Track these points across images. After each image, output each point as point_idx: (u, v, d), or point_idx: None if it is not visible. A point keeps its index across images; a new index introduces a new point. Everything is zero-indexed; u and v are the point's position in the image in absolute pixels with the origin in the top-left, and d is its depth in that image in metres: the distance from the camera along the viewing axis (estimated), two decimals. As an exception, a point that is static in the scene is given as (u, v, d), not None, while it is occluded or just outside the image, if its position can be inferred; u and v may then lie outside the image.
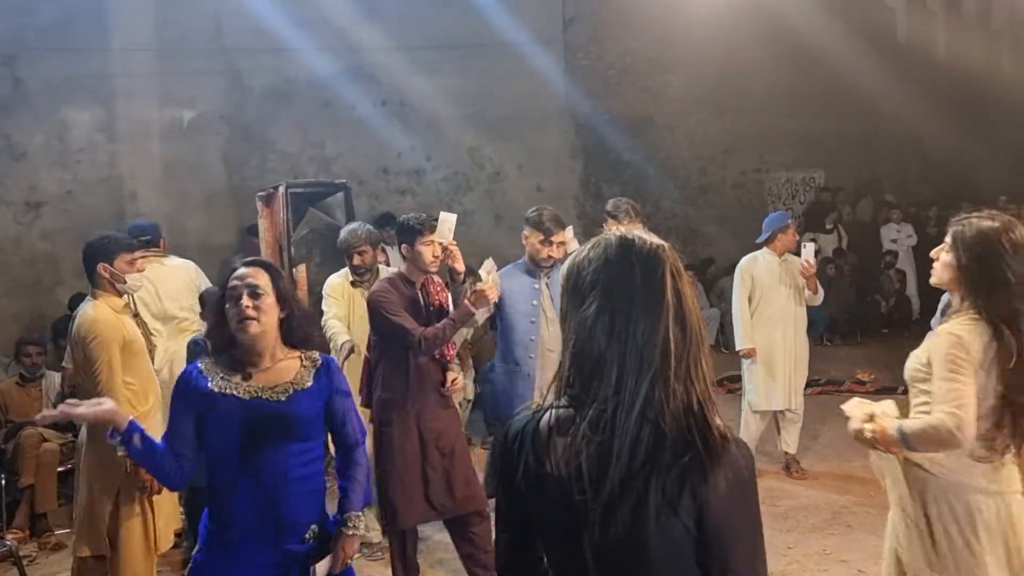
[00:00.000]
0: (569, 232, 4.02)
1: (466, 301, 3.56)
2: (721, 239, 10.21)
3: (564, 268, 1.45)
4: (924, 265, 10.45)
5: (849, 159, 12.15)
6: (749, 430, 5.53)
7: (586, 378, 1.33)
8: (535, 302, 3.86)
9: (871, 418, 2.45)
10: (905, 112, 11.41)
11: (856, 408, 2.51)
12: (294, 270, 5.52)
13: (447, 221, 3.57)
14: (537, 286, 3.88)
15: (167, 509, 3.77)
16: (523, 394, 3.83)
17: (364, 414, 3.60)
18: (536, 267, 3.89)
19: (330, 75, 8.14)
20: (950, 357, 2.30)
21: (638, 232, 1.42)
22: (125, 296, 3.66)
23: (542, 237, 3.83)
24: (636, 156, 10.15)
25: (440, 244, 3.55)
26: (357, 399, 3.35)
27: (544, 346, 3.84)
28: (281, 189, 5.61)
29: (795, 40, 10.29)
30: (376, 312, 3.55)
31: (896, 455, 2.46)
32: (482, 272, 3.76)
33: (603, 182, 10.08)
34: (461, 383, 3.83)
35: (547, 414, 1.36)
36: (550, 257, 3.84)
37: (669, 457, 1.27)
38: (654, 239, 1.40)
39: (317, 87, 8.15)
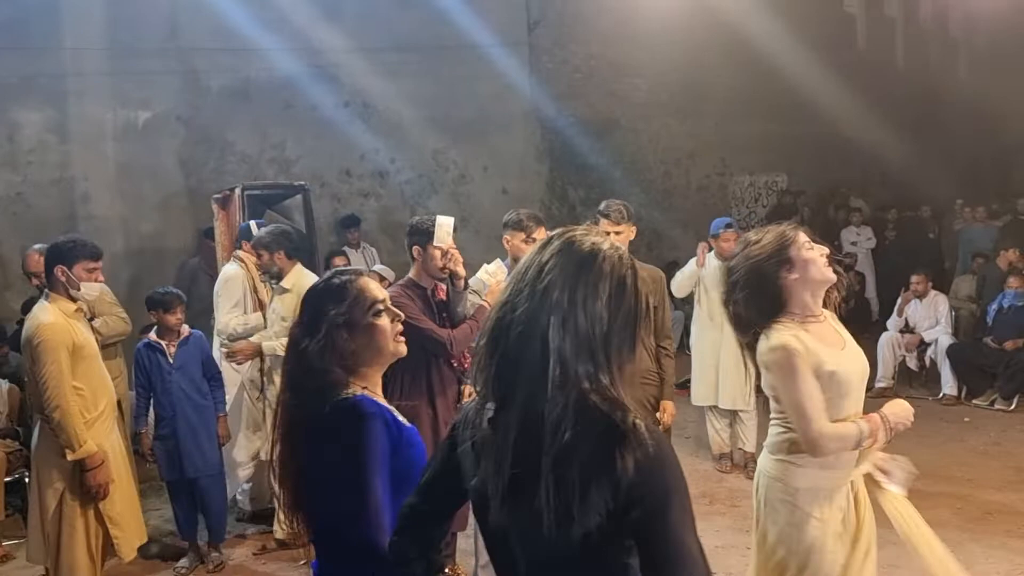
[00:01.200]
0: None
1: (483, 303, 3.58)
2: (686, 242, 10.23)
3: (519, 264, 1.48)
4: (883, 267, 10.62)
5: (810, 163, 12.31)
6: (709, 429, 5.63)
7: (509, 364, 1.38)
8: None
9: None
10: (864, 117, 11.58)
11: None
12: (251, 273, 5.39)
13: (444, 225, 3.52)
14: None
15: (131, 519, 3.68)
16: None
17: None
18: None
19: (291, 75, 8.02)
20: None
21: (580, 229, 1.47)
22: (80, 301, 3.60)
23: (524, 236, 3.81)
24: (602, 159, 10.15)
25: (439, 249, 3.51)
26: None
27: None
28: (237, 191, 5.50)
29: (756, 46, 10.38)
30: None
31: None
32: (481, 274, 3.71)
33: (569, 185, 10.06)
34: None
35: (478, 405, 1.45)
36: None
37: (580, 442, 1.31)
38: (595, 237, 1.45)
39: (277, 88, 8.02)
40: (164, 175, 7.57)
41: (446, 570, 1.64)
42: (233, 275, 4.93)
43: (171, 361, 4.37)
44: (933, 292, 7.85)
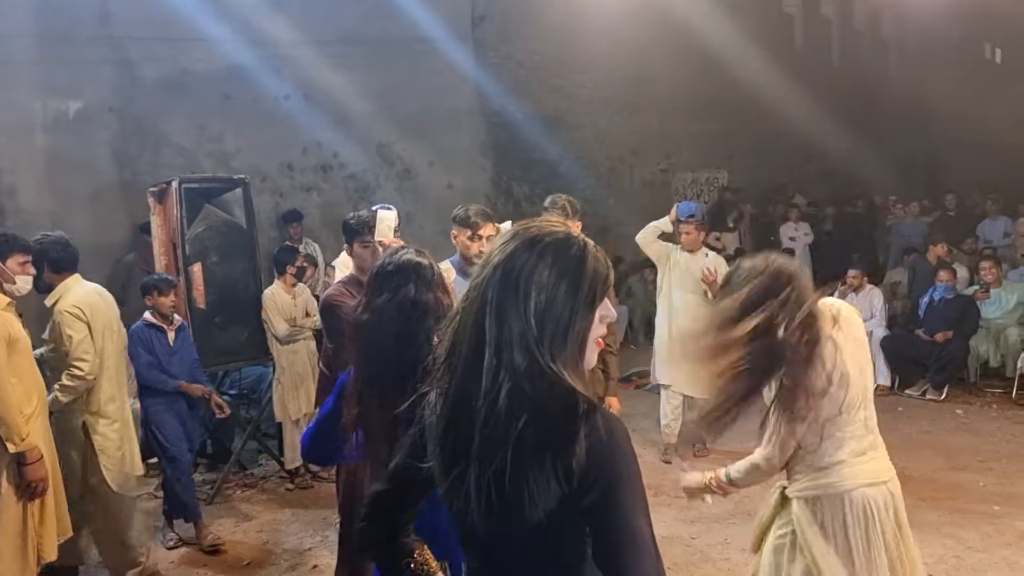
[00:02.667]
0: (507, 226, 3.93)
1: None
2: (630, 237, 10.34)
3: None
4: (819, 263, 10.85)
5: (750, 160, 12.55)
6: (661, 409, 5.73)
7: (461, 349, 1.40)
8: None
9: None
10: (802, 115, 11.83)
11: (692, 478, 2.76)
12: (189, 269, 5.27)
13: (386, 219, 3.44)
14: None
15: (54, 517, 3.57)
16: None
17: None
18: (468, 265, 3.75)
19: (230, 67, 7.82)
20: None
21: (538, 221, 1.48)
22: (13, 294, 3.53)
23: (470, 233, 3.73)
24: (547, 155, 10.18)
25: (381, 242, 3.43)
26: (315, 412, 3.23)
27: None
28: (174, 184, 5.34)
29: (698, 45, 10.53)
30: (336, 319, 3.37)
31: (732, 493, 2.71)
32: None
33: (514, 180, 10.06)
34: None
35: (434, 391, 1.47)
36: (481, 252, 3.74)
37: (534, 423, 1.32)
38: (553, 227, 1.45)
39: (216, 79, 7.82)
40: (96, 168, 7.31)
41: (415, 554, 1.64)
42: None
43: (171, 344, 4.80)
44: (868, 286, 8.07)
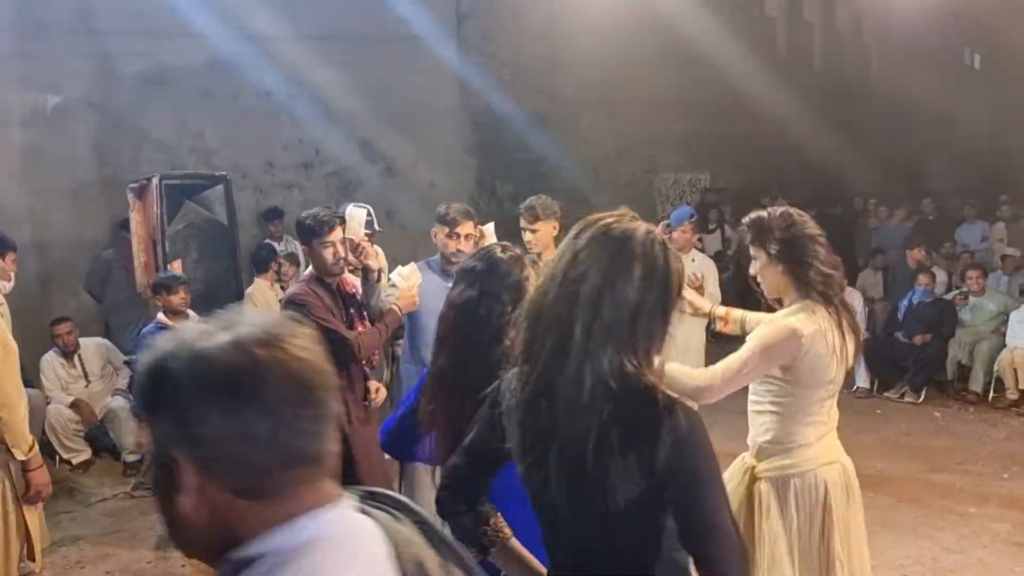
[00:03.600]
0: (490, 228, 3.89)
1: (393, 306, 3.43)
2: (612, 238, 10.36)
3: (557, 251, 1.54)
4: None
5: (732, 162, 12.60)
6: None
7: (545, 340, 1.45)
8: None
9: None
10: (784, 117, 11.89)
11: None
12: (169, 266, 5.22)
13: (356, 217, 3.40)
14: (449, 286, 3.76)
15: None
16: None
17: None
18: (449, 264, 3.67)
19: (211, 62, 7.76)
20: (766, 340, 2.43)
21: (613, 216, 1.52)
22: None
23: (447, 230, 3.64)
24: (531, 154, 10.17)
25: (351, 241, 3.39)
26: None
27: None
28: (155, 181, 5.30)
29: (681, 47, 10.57)
30: (302, 315, 3.36)
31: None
32: (395, 276, 3.56)
33: (497, 180, 10.05)
34: (384, 395, 3.67)
35: (515, 378, 1.52)
36: (459, 251, 3.64)
37: (617, 417, 1.38)
38: (628, 223, 1.50)
39: (197, 74, 7.76)
40: (76, 163, 7.23)
41: (490, 522, 1.71)
42: None
43: None
44: (849, 289, 8.11)
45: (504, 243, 2.28)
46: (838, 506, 2.52)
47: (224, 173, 5.92)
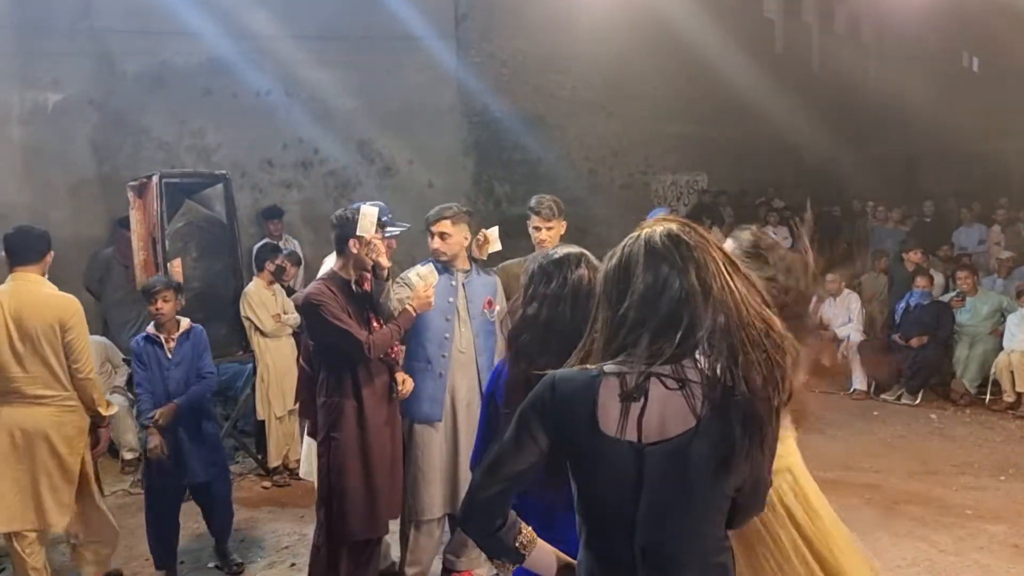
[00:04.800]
0: (494, 232, 3.97)
1: (407, 306, 3.49)
2: (610, 238, 10.25)
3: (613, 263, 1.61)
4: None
5: (729, 163, 12.62)
6: None
7: (655, 354, 1.49)
8: (451, 299, 3.76)
9: None
10: (782, 118, 11.94)
11: None
12: (168, 264, 5.22)
13: (368, 215, 3.41)
14: (454, 284, 3.80)
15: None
16: (433, 395, 3.74)
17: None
18: (451, 264, 3.80)
19: (210, 61, 7.76)
20: None
21: (677, 220, 1.62)
22: None
23: (425, 228, 3.81)
24: (528, 155, 10.18)
25: (363, 238, 3.42)
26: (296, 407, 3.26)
27: (456, 347, 3.76)
28: (155, 179, 5.28)
29: (679, 48, 10.60)
30: (316, 317, 3.37)
31: None
32: (412, 276, 3.60)
33: (495, 179, 10.06)
34: (411, 385, 3.69)
35: (600, 378, 1.53)
36: (436, 251, 3.76)
37: (726, 420, 1.46)
38: (698, 230, 1.57)
39: (196, 73, 7.76)
40: (75, 161, 7.23)
41: (521, 530, 1.72)
42: None
43: (169, 356, 4.10)
44: (846, 291, 8.15)
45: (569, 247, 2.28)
46: (797, 514, 2.53)
47: (224, 172, 5.91)
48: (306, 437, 4.30)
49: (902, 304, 7.88)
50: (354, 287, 3.51)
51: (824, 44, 15.73)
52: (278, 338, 5.73)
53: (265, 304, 5.70)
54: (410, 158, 9.16)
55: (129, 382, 5.81)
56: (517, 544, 1.69)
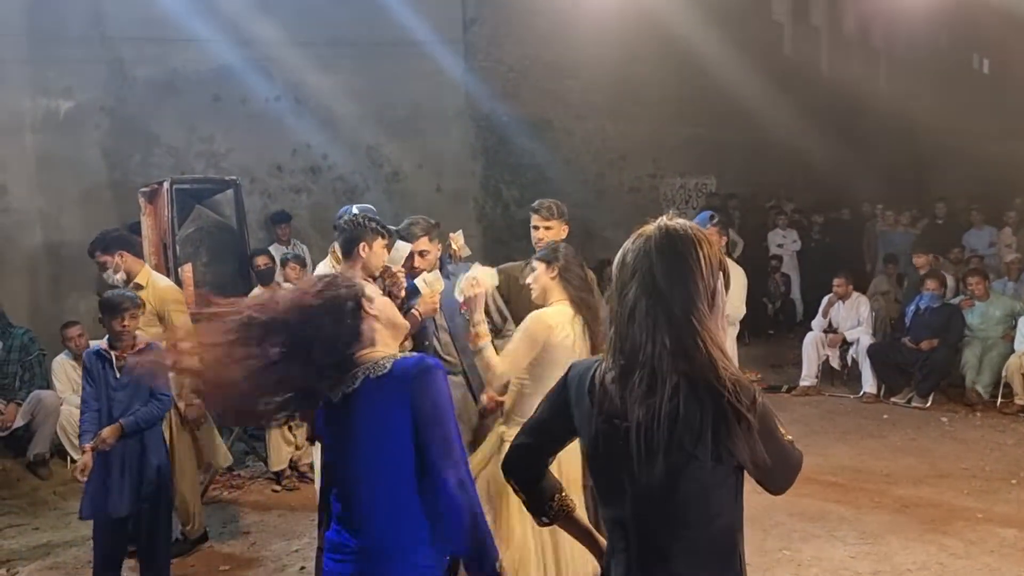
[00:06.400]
0: (459, 237, 4.13)
1: (414, 312, 3.58)
2: (617, 242, 10.21)
3: (617, 258, 1.73)
4: (807, 269, 10.90)
5: (738, 166, 12.60)
6: None
7: (632, 344, 1.62)
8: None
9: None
10: (790, 122, 11.90)
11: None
12: (180, 270, 5.26)
13: (401, 250, 3.66)
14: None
15: None
16: None
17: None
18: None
19: (220, 68, 7.82)
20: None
21: (675, 220, 1.70)
22: None
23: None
24: (536, 159, 10.20)
25: (388, 268, 3.59)
26: None
27: (437, 354, 3.79)
28: (166, 185, 5.34)
29: (687, 51, 10.59)
30: None
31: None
32: (419, 282, 3.69)
33: (503, 184, 10.08)
34: None
35: (602, 367, 1.68)
36: (415, 270, 3.84)
37: (704, 410, 1.56)
38: (687, 225, 1.68)
39: (206, 80, 7.82)
40: (87, 167, 7.30)
41: (555, 496, 1.87)
42: None
43: (117, 376, 3.71)
44: (856, 294, 8.13)
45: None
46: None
47: (234, 177, 5.97)
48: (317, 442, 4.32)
49: (912, 307, 7.85)
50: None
51: (833, 47, 15.68)
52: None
53: None
54: (418, 163, 9.20)
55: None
56: (547, 507, 1.86)
